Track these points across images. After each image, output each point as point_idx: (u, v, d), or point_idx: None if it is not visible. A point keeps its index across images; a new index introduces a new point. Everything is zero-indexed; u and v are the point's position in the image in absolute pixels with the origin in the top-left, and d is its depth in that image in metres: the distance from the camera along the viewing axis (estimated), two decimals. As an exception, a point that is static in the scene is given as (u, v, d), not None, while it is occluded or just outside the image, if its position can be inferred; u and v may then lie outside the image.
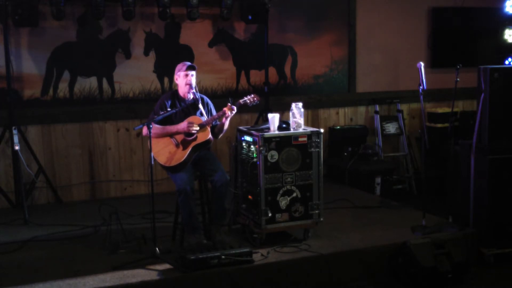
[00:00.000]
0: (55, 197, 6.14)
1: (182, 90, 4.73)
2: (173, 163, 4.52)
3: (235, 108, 4.59)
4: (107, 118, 6.34)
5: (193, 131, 4.54)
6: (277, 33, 6.94)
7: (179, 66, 4.72)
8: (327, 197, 5.10)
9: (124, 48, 6.35)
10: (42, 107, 6.09)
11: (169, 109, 4.55)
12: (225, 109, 4.57)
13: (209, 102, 4.88)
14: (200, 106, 4.71)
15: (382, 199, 6.25)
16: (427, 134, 5.37)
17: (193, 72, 4.70)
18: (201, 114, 4.70)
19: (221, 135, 4.81)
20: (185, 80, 4.67)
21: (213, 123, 4.67)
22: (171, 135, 4.60)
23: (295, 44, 7.07)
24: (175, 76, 4.74)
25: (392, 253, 4.57)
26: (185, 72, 4.67)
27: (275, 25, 6.89)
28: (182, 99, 4.74)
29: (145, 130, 4.45)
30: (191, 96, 4.71)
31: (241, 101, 4.72)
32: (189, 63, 4.70)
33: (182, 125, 4.55)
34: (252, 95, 4.78)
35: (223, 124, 4.70)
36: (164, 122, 4.61)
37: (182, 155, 4.53)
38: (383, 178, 6.68)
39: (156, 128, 4.50)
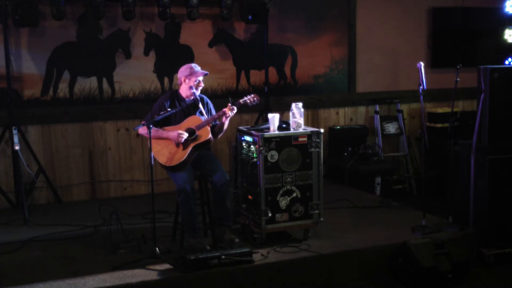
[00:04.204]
0: (55, 197, 6.14)
1: (186, 92, 4.73)
2: (173, 162, 4.52)
3: (235, 108, 4.59)
4: (107, 118, 6.34)
5: (180, 142, 4.54)
6: (277, 33, 6.95)
7: (192, 69, 4.69)
8: (327, 197, 5.10)
9: (124, 48, 6.35)
10: (42, 107, 6.09)
11: (168, 109, 4.55)
12: (225, 109, 4.57)
13: (209, 101, 4.88)
14: (200, 106, 4.71)
15: (382, 199, 6.24)
16: (427, 134, 5.38)
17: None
18: (201, 114, 4.70)
19: (220, 134, 4.81)
20: (195, 85, 4.68)
21: (213, 122, 4.68)
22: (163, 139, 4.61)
23: (295, 44, 7.08)
24: (183, 77, 4.70)
25: (392, 253, 4.57)
26: (199, 79, 4.69)
27: (275, 25, 6.89)
28: (182, 99, 4.74)
29: (140, 130, 4.49)
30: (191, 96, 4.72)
31: (241, 101, 4.72)
32: (206, 72, 4.72)
33: (173, 134, 4.54)
34: (252, 95, 4.78)
35: (223, 124, 4.70)
36: (163, 122, 4.61)
37: (183, 154, 4.53)
38: (383, 178, 6.68)
39: (152, 129, 4.48)
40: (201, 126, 4.57)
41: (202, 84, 4.74)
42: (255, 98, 4.77)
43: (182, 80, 4.71)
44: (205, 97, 4.87)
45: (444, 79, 7.49)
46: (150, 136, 4.31)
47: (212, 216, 4.73)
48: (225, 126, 4.72)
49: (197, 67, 4.72)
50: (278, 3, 6.84)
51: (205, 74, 4.73)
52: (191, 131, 4.56)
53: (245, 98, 4.75)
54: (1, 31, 5.74)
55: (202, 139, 4.57)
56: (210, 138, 4.60)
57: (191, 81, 4.67)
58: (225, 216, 4.69)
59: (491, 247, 4.88)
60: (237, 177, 4.98)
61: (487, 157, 4.86)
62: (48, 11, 5.89)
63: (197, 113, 4.69)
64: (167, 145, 4.58)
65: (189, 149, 4.54)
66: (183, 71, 4.72)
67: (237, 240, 4.55)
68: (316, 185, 4.68)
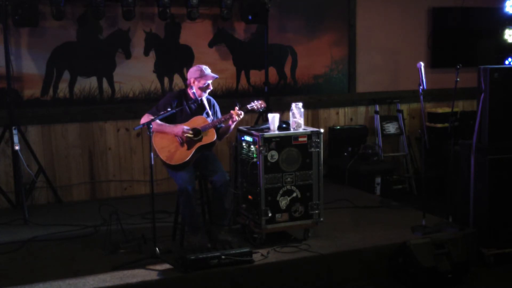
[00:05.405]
0: (55, 197, 6.14)
1: (195, 92, 4.72)
2: (176, 161, 4.52)
3: (242, 113, 4.61)
4: (107, 118, 6.34)
5: (184, 138, 4.54)
6: (277, 33, 6.95)
7: (202, 72, 4.66)
8: (327, 197, 5.10)
9: (124, 48, 6.35)
10: (42, 107, 6.09)
11: (168, 109, 4.54)
12: (232, 112, 4.58)
13: (215, 103, 4.89)
14: (207, 107, 4.72)
15: (382, 199, 6.25)
16: (427, 134, 5.38)
17: None
18: (208, 115, 4.71)
19: (225, 137, 4.83)
20: (204, 88, 4.68)
21: (218, 125, 4.68)
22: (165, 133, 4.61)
23: (295, 44, 7.07)
24: (192, 79, 4.68)
25: (392, 253, 4.57)
26: (209, 82, 4.68)
27: (275, 25, 6.89)
28: (190, 99, 4.74)
29: (143, 120, 4.51)
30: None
31: (248, 106, 4.73)
32: (216, 76, 4.71)
33: (177, 130, 4.54)
34: (260, 102, 4.80)
35: (229, 127, 4.71)
36: (167, 119, 4.61)
37: (186, 154, 4.53)
38: (383, 178, 6.68)
39: (155, 123, 4.49)
40: (206, 127, 4.58)
41: (211, 87, 4.74)
42: (262, 105, 4.80)
43: (191, 81, 4.70)
44: (212, 99, 4.87)
45: (444, 79, 7.49)
46: (150, 136, 4.30)
47: (209, 216, 4.74)
48: (231, 129, 4.73)
49: (207, 70, 4.70)
50: (278, 3, 6.84)
51: (215, 78, 4.72)
52: (196, 131, 4.57)
53: (253, 104, 4.76)
54: (1, 31, 5.74)
55: (208, 141, 4.58)
56: (215, 139, 4.62)
57: (200, 83, 4.67)
58: (223, 216, 4.70)
59: (491, 247, 4.88)
60: (237, 177, 4.98)
61: (487, 157, 4.86)
62: (48, 11, 5.89)
63: (203, 114, 4.70)
64: (172, 142, 4.57)
65: (194, 149, 4.54)
66: (193, 72, 4.71)
67: (230, 239, 4.54)
68: (316, 185, 4.68)
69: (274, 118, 4.65)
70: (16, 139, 5.56)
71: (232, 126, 4.71)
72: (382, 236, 4.83)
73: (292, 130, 4.66)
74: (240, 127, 4.92)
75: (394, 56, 7.59)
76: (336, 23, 7.27)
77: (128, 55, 6.37)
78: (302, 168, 4.63)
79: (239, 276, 4.16)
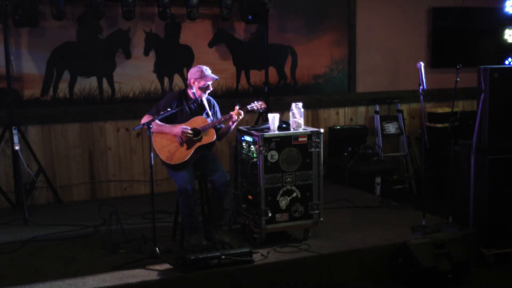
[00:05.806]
0: (55, 197, 6.14)
1: (195, 93, 4.73)
2: (175, 161, 4.53)
3: (242, 113, 4.62)
4: (107, 118, 6.34)
5: (184, 138, 4.54)
6: (277, 33, 6.95)
7: (202, 72, 4.66)
8: (327, 197, 5.10)
9: (124, 48, 6.35)
10: (42, 107, 6.09)
11: (168, 109, 4.54)
12: (232, 113, 4.58)
13: (215, 104, 4.89)
14: (207, 107, 4.72)
15: (382, 199, 6.25)
16: (427, 134, 5.38)
17: None
18: (207, 115, 4.71)
19: (225, 137, 4.83)
20: (204, 88, 4.68)
21: (218, 125, 4.69)
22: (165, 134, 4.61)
23: (295, 44, 7.07)
24: (192, 80, 4.68)
25: (392, 253, 4.57)
26: (209, 83, 4.67)
27: (275, 25, 6.89)
28: (190, 99, 4.74)
29: (144, 120, 4.53)
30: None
31: (248, 107, 4.74)
32: (216, 77, 4.70)
33: (176, 130, 4.54)
34: (260, 103, 4.81)
35: (229, 128, 4.71)
36: (167, 119, 4.62)
37: (186, 154, 4.53)
38: (383, 178, 6.68)
39: (155, 123, 4.50)
40: (206, 127, 4.58)
41: (211, 88, 4.74)
42: (263, 106, 4.82)
43: (192, 82, 4.70)
44: (212, 99, 4.87)
45: (444, 79, 7.49)
46: (150, 136, 4.30)
47: (207, 215, 4.74)
48: (231, 130, 4.73)
49: (207, 71, 4.70)
50: (278, 3, 6.84)
51: (215, 79, 4.72)
52: (196, 131, 4.57)
53: (253, 105, 4.77)
54: (1, 31, 5.74)
55: (208, 141, 4.59)
56: (215, 140, 4.62)
57: (200, 84, 4.67)
58: (220, 216, 4.72)
59: (491, 247, 4.88)
60: (237, 177, 4.99)
61: (487, 157, 4.86)
62: (48, 11, 5.89)
63: (203, 114, 4.70)
64: (172, 142, 4.57)
65: (193, 149, 4.54)
66: (193, 72, 4.71)
67: (227, 240, 4.54)
68: (316, 185, 4.68)
69: (274, 118, 4.66)
70: (16, 139, 5.56)
71: (233, 127, 4.72)
72: (382, 236, 4.83)
73: (292, 130, 4.66)
74: (240, 127, 4.92)
75: (394, 56, 7.59)
76: (336, 23, 7.27)
77: (128, 55, 6.37)
78: (302, 168, 4.63)
79: (239, 276, 4.16)
